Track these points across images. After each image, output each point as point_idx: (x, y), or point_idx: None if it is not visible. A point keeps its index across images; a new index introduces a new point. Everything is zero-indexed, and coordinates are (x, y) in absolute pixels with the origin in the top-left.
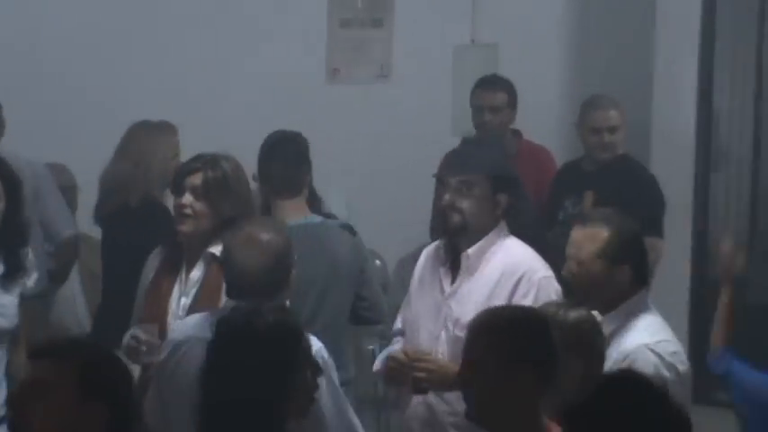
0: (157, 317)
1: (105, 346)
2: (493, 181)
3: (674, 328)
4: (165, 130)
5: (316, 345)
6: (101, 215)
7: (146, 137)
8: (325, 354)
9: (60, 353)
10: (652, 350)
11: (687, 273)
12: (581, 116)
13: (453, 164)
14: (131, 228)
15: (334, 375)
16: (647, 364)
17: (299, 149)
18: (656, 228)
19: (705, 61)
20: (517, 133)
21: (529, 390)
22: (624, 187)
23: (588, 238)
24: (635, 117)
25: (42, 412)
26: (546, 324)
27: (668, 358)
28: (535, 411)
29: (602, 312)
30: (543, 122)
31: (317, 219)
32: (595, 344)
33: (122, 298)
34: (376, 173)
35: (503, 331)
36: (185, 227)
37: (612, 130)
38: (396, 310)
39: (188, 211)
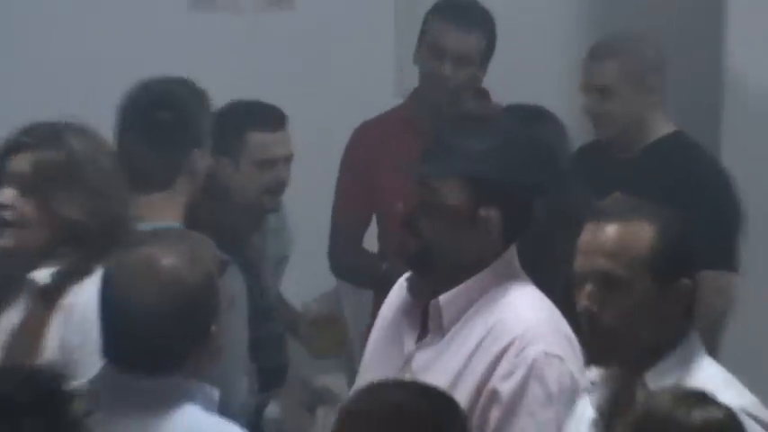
0: None
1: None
2: (473, 189)
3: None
4: None
5: None
6: None
7: None
8: None
9: None
10: (754, 417)
11: None
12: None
13: (422, 157)
14: None
15: None
16: None
17: (178, 115)
18: (724, 254)
19: None
20: (484, 94)
21: None
22: (673, 188)
23: (625, 241)
24: (696, 75)
25: None
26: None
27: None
28: None
29: (646, 362)
30: (542, 80)
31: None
32: None
33: None
34: None
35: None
36: (4, 240)
37: (604, 91)
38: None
39: (8, 215)
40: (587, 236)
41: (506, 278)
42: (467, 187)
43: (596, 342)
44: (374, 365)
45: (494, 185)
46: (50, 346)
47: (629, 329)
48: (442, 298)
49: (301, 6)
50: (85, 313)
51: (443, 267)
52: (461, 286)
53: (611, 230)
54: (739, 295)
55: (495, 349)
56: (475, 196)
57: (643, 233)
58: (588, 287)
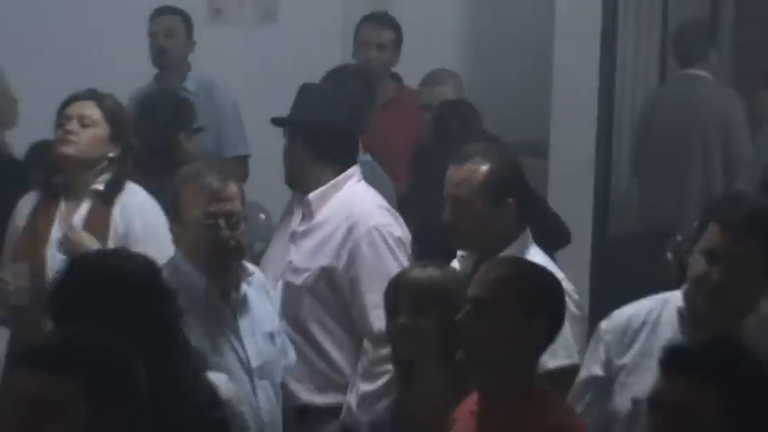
0: (31, 257)
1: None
2: (299, 130)
3: (576, 286)
4: None
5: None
6: None
7: None
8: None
9: (63, 365)
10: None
11: (589, 230)
12: (419, 93)
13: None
14: None
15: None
16: None
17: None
18: None
19: (609, 7)
20: (397, 78)
21: (536, 342)
22: None
23: (467, 176)
24: (536, 67)
25: None
26: (559, 283)
27: (575, 296)
28: (536, 365)
29: (486, 256)
30: (435, 65)
31: None
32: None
33: None
34: (260, 119)
35: (524, 281)
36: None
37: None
38: None
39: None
40: (450, 172)
41: (351, 182)
42: (300, 131)
43: (459, 237)
44: (274, 244)
45: (308, 126)
46: (114, 233)
47: (468, 232)
48: (311, 195)
49: (282, 21)
50: (141, 211)
51: (296, 182)
52: (324, 187)
53: (459, 170)
54: None
55: (345, 227)
56: (299, 135)
57: (480, 170)
58: (447, 208)
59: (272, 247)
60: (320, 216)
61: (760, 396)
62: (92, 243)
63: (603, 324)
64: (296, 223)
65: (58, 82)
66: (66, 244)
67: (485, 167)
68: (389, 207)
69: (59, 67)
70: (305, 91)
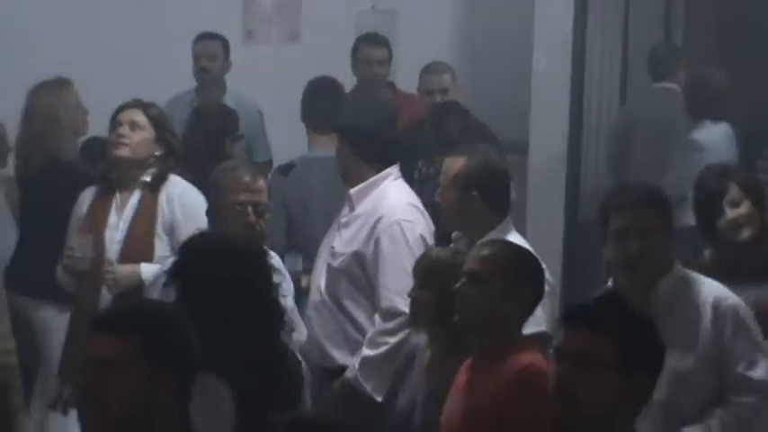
0: (93, 231)
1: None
2: (346, 134)
3: (549, 264)
4: (62, 85)
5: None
6: (21, 177)
7: (46, 97)
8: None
9: (124, 329)
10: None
11: (561, 215)
12: (419, 81)
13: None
14: (44, 188)
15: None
16: None
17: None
18: None
19: (578, 28)
20: (391, 85)
21: (520, 308)
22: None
23: (447, 166)
24: (517, 80)
25: (113, 389)
26: (538, 260)
27: (546, 274)
28: (519, 328)
29: (475, 239)
30: None
31: None
32: (445, 275)
33: (39, 244)
34: (287, 129)
35: (510, 258)
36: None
37: (444, 92)
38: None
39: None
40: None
41: (390, 180)
42: (339, 133)
43: (442, 216)
44: (327, 234)
45: (351, 132)
46: (162, 217)
47: (447, 215)
48: (353, 190)
49: (304, 43)
50: (182, 198)
51: (345, 177)
52: (365, 183)
53: (447, 160)
54: None
55: (372, 220)
56: (341, 138)
57: (457, 163)
58: (437, 192)
59: (327, 236)
60: (360, 208)
61: (644, 340)
62: (134, 271)
63: None
64: (343, 214)
65: (111, 92)
66: (113, 283)
67: (460, 162)
68: (418, 204)
69: (112, 79)
70: (352, 101)
